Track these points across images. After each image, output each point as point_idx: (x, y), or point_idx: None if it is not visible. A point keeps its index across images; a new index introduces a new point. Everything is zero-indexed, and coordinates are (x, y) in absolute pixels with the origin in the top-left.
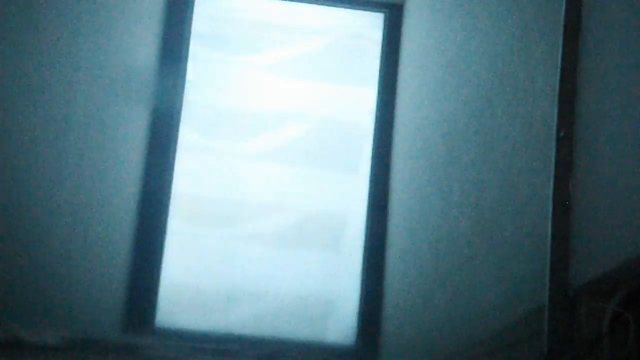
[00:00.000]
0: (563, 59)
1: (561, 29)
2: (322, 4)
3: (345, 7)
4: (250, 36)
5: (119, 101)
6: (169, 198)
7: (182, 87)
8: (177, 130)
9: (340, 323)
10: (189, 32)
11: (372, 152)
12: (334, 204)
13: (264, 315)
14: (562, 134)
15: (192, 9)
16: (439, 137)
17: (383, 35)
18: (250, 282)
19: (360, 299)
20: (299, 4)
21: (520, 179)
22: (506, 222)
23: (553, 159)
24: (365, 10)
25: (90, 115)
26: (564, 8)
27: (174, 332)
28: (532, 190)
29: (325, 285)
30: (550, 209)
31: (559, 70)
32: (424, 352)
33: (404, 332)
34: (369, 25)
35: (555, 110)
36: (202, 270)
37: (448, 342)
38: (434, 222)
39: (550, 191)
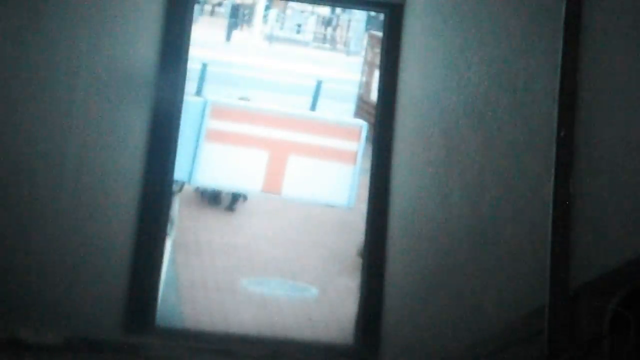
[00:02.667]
0: (563, 59)
1: (561, 29)
2: (324, 4)
3: (347, 7)
4: None
5: (119, 101)
6: (169, 198)
7: (182, 87)
8: (177, 130)
9: (341, 322)
10: (189, 33)
11: (373, 152)
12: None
13: (265, 315)
14: (562, 134)
15: (192, 9)
16: (439, 137)
17: (384, 34)
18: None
19: (360, 299)
20: (302, 4)
21: (520, 179)
22: (506, 222)
23: (553, 159)
24: (366, 9)
25: (90, 115)
26: (564, 9)
27: (174, 332)
28: (532, 190)
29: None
30: (550, 209)
31: (559, 70)
32: (424, 352)
33: (404, 332)
34: None
35: (556, 111)
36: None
37: (448, 342)
38: (434, 223)
39: (550, 191)
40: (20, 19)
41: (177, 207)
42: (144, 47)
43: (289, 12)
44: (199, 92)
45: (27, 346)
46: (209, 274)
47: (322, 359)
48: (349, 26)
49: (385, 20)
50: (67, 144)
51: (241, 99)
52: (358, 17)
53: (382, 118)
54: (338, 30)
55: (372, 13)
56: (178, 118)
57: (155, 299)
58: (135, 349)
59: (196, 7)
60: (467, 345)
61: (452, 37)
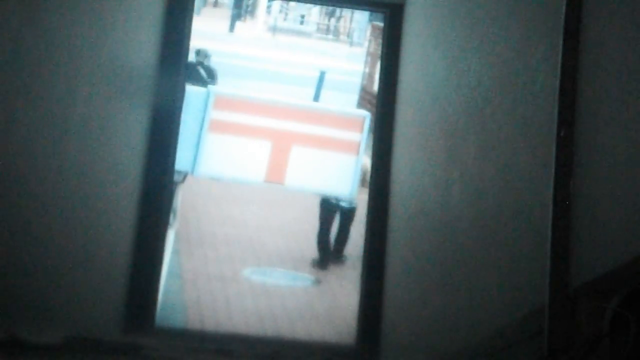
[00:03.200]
0: (563, 59)
1: (561, 29)
2: (324, 3)
3: (347, 7)
4: None
5: (119, 101)
6: (169, 197)
7: (182, 86)
8: (178, 122)
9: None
10: (189, 32)
11: (373, 152)
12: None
13: (267, 304)
14: (562, 133)
15: (192, 9)
16: (439, 136)
17: (384, 34)
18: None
19: (360, 299)
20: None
21: (520, 179)
22: (506, 222)
23: (553, 159)
24: (366, 9)
25: (90, 115)
26: (564, 9)
27: (174, 332)
28: (532, 191)
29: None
30: (551, 209)
31: (559, 70)
32: (423, 352)
33: (404, 332)
34: None
35: (556, 110)
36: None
37: (448, 342)
38: (434, 222)
39: (550, 191)
40: (19, 18)
41: (180, 198)
42: (145, 40)
43: (292, 3)
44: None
45: (27, 346)
46: (211, 264)
47: (322, 359)
48: (352, 17)
49: (385, 20)
50: (68, 138)
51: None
52: None
53: (382, 119)
54: (341, 22)
55: None
56: (179, 110)
57: (155, 298)
58: (135, 349)
59: None
60: (467, 345)
61: (452, 37)
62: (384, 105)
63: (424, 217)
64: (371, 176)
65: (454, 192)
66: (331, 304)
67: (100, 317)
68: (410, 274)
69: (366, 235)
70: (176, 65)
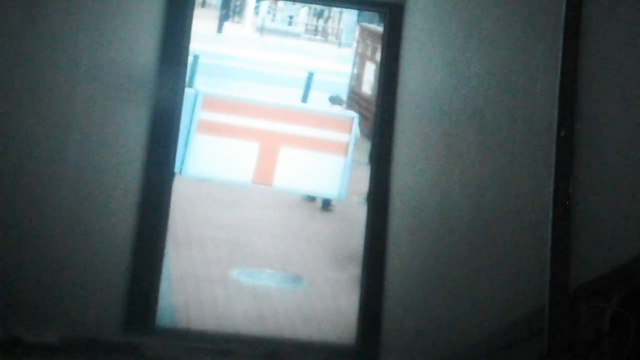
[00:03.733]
0: (563, 59)
1: (561, 29)
2: (324, 3)
3: (347, 6)
4: None
5: (119, 101)
6: (169, 198)
7: (182, 87)
8: (178, 126)
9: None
10: (189, 33)
11: (373, 151)
12: None
13: (265, 315)
14: (562, 134)
15: (192, 10)
16: (439, 136)
17: (384, 34)
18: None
19: (360, 299)
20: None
21: (520, 179)
22: (506, 222)
23: (553, 159)
24: (366, 9)
25: (90, 115)
26: (564, 8)
27: (174, 332)
28: (533, 191)
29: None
30: (551, 209)
31: (559, 70)
32: (424, 352)
33: (404, 332)
34: None
35: (556, 110)
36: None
37: (448, 342)
38: (434, 222)
39: (550, 191)
40: (20, 19)
41: None
42: (145, 41)
43: (280, 4)
44: (190, 84)
45: (27, 346)
46: (200, 265)
47: (322, 359)
48: (340, 18)
49: (385, 20)
50: (68, 142)
51: None
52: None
53: (382, 119)
54: (329, 22)
55: None
56: (179, 110)
57: (155, 298)
58: (135, 349)
59: None
60: (467, 345)
61: (452, 37)
62: (384, 104)
63: (424, 217)
64: (371, 176)
65: (454, 192)
66: (320, 304)
67: (100, 317)
68: (410, 274)
69: (366, 235)
70: (176, 66)
